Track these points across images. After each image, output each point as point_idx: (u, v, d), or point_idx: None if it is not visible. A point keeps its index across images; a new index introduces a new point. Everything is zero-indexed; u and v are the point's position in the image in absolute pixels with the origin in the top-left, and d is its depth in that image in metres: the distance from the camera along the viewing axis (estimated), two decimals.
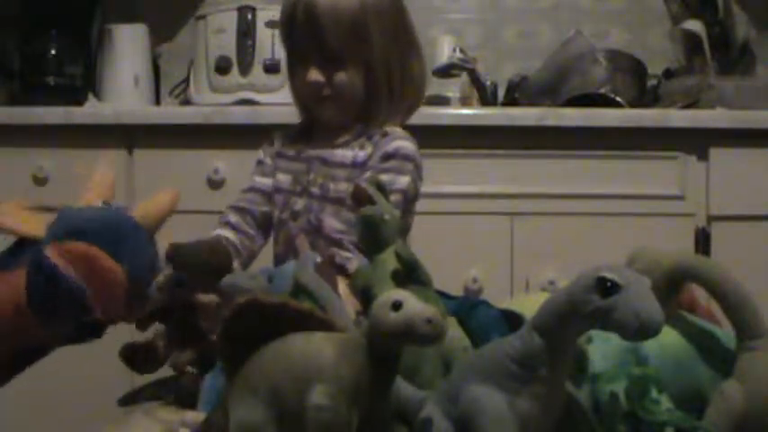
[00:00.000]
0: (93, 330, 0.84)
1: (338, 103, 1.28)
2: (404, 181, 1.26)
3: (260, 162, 1.38)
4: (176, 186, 1.39)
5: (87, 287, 0.80)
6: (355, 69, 1.26)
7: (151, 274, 0.87)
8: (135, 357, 0.95)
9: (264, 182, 1.35)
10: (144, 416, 0.88)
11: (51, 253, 0.79)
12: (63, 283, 0.79)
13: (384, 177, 1.17)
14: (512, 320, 0.90)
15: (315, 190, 1.29)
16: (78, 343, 0.85)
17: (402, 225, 1.15)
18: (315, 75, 1.26)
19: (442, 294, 0.97)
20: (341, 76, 1.26)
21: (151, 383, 0.99)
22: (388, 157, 1.26)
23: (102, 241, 0.81)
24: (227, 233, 1.31)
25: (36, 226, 0.83)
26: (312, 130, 1.36)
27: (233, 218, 1.33)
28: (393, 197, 1.16)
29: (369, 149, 1.28)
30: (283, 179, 1.32)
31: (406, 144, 1.28)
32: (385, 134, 1.28)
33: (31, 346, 0.85)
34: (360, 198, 0.93)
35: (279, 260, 1.28)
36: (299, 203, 1.29)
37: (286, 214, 1.30)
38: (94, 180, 0.93)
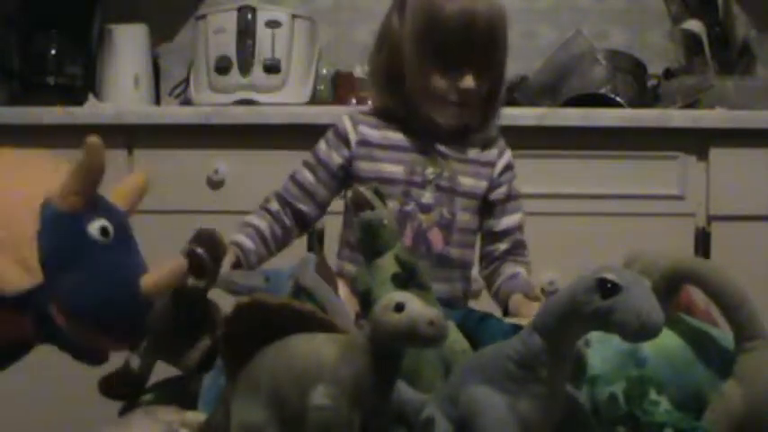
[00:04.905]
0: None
1: (471, 110, 1.31)
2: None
3: (343, 139, 1.33)
4: (178, 187, 1.40)
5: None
6: (489, 79, 1.30)
7: None
8: (111, 386, 0.95)
9: (337, 161, 1.32)
10: (144, 416, 0.88)
11: (59, 317, 0.79)
12: (72, 341, 0.81)
13: (515, 184, 1.39)
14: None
15: (444, 183, 1.30)
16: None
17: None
18: (471, 82, 1.27)
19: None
20: (483, 86, 1.29)
21: (152, 384, 0.99)
22: (510, 166, 1.40)
23: (119, 332, 0.82)
24: (260, 222, 1.30)
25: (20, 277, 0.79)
26: (406, 120, 1.33)
27: (274, 206, 1.32)
28: (518, 201, 1.40)
29: (495, 151, 1.37)
30: (394, 169, 1.30)
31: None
32: (492, 140, 1.38)
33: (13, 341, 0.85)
34: (359, 203, 0.93)
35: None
36: (427, 196, 1.29)
37: (411, 207, 1.29)
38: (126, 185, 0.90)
